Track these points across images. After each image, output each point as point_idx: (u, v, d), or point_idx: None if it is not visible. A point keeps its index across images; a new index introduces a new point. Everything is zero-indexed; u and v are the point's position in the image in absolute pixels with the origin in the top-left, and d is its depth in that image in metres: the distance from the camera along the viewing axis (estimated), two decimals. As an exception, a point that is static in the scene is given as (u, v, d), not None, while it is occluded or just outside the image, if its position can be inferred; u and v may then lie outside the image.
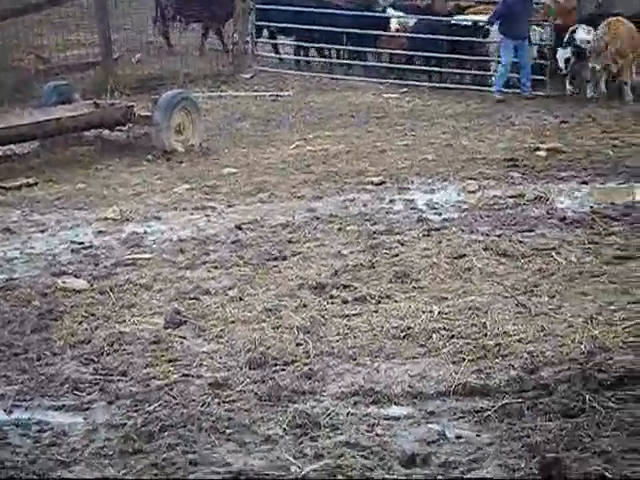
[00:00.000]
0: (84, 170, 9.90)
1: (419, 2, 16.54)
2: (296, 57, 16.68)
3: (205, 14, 15.88)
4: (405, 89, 14.67)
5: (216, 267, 6.76)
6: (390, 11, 15.53)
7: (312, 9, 15.67)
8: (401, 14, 15.44)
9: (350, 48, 15.95)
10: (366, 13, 15.39)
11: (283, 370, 4.94)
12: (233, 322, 5.63)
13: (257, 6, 16.00)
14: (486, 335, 5.33)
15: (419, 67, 15.35)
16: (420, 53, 15.11)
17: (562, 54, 13.66)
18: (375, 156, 10.40)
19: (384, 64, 15.84)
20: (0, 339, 5.40)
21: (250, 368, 4.96)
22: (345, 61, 16.15)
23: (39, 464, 4.08)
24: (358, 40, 15.49)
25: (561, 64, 13.70)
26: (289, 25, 15.96)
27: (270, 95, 14.42)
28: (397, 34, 15.20)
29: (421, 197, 8.70)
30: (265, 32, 16.89)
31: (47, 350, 5.26)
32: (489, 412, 4.44)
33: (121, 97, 12.56)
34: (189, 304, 5.96)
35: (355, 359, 5.06)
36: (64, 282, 6.41)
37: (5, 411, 4.53)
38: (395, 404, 4.59)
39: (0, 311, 5.90)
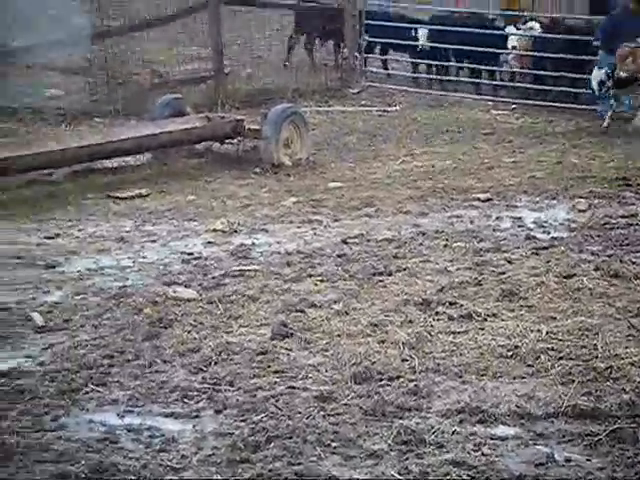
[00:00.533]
0: (194, 182, 10.10)
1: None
2: (407, 74, 16.65)
3: (328, 29, 16.01)
4: (514, 106, 14.52)
5: (322, 280, 6.81)
6: (511, 29, 15.28)
7: (426, 26, 15.67)
8: (521, 31, 15.14)
9: (464, 65, 15.86)
10: (483, 30, 15.23)
11: (388, 385, 4.95)
12: (338, 336, 5.66)
13: (368, 22, 16.06)
14: (597, 357, 5.22)
15: (530, 85, 15.15)
16: (535, 71, 14.91)
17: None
18: (482, 173, 10.31)
19: (494, 82, 15.68)
20: (113, 345, 5.55)
21: (355, 382, 4.98)
22: (455, 78, 16.08)
23: (150, 469, 4.18)
24: (473, 57, 15.38)
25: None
26: (402, 42, 15.99)
27: (377, 110, 14.46)
28: (517, 52, 15.00)
29: (529, 215, 8.59)
30: (376, 48, 16.90)
31: (158, 357, 5.37)
32: (600, 436, 4.35)
33: (231, 111, 12.77)
34: (295, 316, 6.01)
35: (461, 377, 5.03)
36: (175, 291, 6.55)
37: (118, 415, 4.65)
38: (502, 424, 4.54)
39: (113, 318, 6.06)
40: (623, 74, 12.32)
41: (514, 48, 15.00)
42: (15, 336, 5.76)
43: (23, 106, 13.31)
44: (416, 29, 15.91)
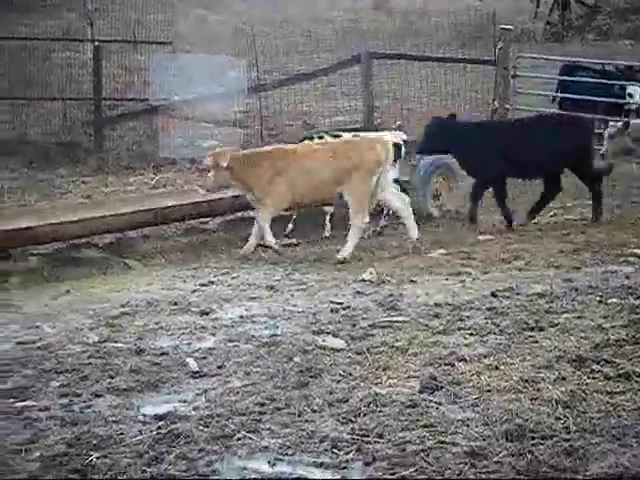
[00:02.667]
0: (342, 231, 10.20)
1: None
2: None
3: None
4: None
5: (471, 334, 6.73)
6: None
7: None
8: None
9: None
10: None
11: (541, 444, 4.82)
12: (489, 391, 5.57)
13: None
14: None
15: None
16: None
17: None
18: (638, 228, 10.01)
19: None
20: (264, 392, 5.63)
21: (507, 439, 4.87)
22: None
23: (300, 518, 4.21)
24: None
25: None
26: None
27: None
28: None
29: (689, 273, 8.26)
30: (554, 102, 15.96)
31: (307, 406, 5.42)
32: None
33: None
34: (444, 370, 5.96)
35: (620, 439, 4.84)
36: (324, 340, 6.61)
37: (269, 463, 4.71)
38: (662, 491, 4.35)
39: (264, 365, 6.17)
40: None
41: None
42: (171, 380, 5.94)
43: (182, 157, 13.85)
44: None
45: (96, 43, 15.22)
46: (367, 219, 9.40)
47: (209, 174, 9.47)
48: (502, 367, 5.97)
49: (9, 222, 9.34)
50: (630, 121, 12.23)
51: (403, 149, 9.86)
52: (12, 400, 5.61)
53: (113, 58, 15.68)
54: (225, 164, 9.29)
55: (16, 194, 11.66)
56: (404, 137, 10.02)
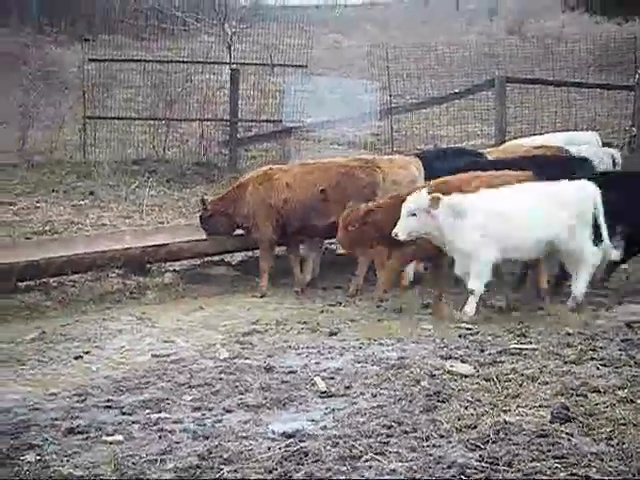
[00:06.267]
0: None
1: None
2: None
3: None
4: None
5: (604, 365, 6.57)
6: None
7: None
8: None
9: None
10: None
11: (679, 483, 4.65)
12: (624, 424, 5.40)
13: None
14: None
15: None
16: None
17: None
18: None
19: None
20: (392, 415, 5.64)
21: (643, 476, 4.73)
22: None
23: None
24: None
25: None
26: None
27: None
28: None
29: None
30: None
31: (435, 431, 5.38)
32: None
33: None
34: (576, 400, 5.82)
35: None
36: (452, 366, 6.57)
37: (398, 488, 4.71)
38: None
39: (392, 388, 6.17)
40: None
41: None
42: (300, 399, 6.01)
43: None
44: None
45: (233, 66, 15.61)
46: None
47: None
48: (638, 400, 5.80)
49: (146, 239, 9.64)
50: None
51: None
52: (148, 411, 5.79)
53: (250, 80, 16.03)
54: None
55: (154, 211, 12.04)
56: None
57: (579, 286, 8.14)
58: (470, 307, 8.05)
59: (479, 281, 8.01)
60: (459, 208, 7.98)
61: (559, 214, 8.12)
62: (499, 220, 8.02)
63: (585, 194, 8.27)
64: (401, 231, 7.98)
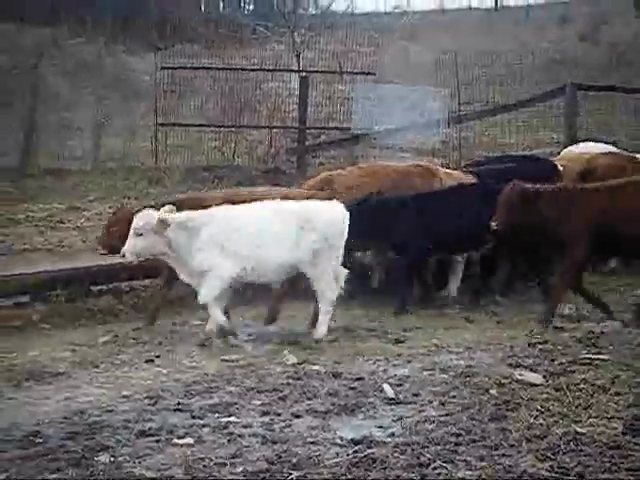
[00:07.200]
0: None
1: None
2: None
3: None
4: None
5: (679, 376, 6.46)
6: None
7: None
8: None
9: None
10: None
11: None
12: (696, 438, 5.31)
13: None
14: None
15: None
16: None
17: None
18: None
19: None
20: (460, 423, 5.61)
21: None
22: None
23: None
24: None
25: None
26: None
27: None
28: None
29: None
30: None
31: (504, 440, 5.34)
32: None
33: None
34: (649, 412, 5.74)
35: None
36: (520, 374, 6.51)
37: (467, 496, 4.68)
38: None
39: (460, 396, 6.14)
40: None
41: None
42: (367, 405, 6.02)
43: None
44: None
45: (303, 74, 15.72)
46: None
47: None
48: None
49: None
50: None
51: None
52: (217, 415, 5.86)
53: (318, 88, 16.11)
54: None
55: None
56: None
57: (320, 329, 7.69)
58: (216, 315, 7.61)
59: (211, 292, 7.54)
60: (191, 224, 7.58)
61: (305, 236, 7.63)
62: (236, 237, 7.58)
63: (334, 216, 7.81)
64: (128, 251, 7.57)
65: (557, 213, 7.90)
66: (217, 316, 7.65)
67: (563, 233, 7.89)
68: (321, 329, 7.73)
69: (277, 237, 7.63)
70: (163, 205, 7.90)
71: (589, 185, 8.36)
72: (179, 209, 7.79)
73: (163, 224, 7.55)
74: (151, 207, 7.95)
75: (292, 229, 7.65)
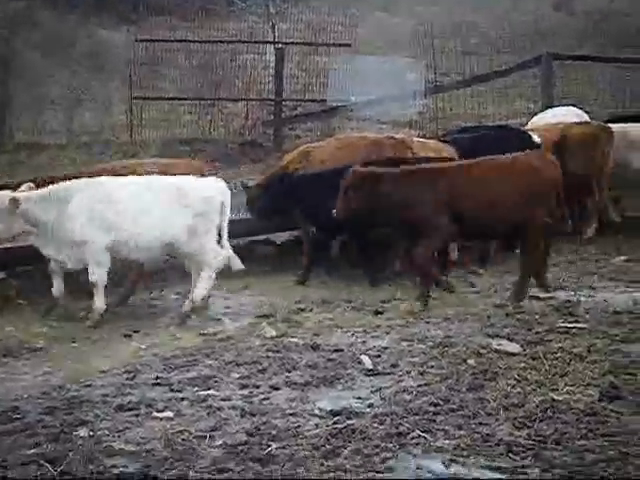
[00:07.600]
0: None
1: None
2: None
3: None
4: None
5: (654, 343, 6.52)
6: None
7: None
8: None
9: None
10: None
11: None
12: (673, 403, 5.37)
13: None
14: None
15: None
16: None
17: None
18: None
19: None
20: (438, 393, 5.63)
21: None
22: None
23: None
24: None
25: None
26: None
27: None
28: None
29: None
30: None
31: (481, 409, 5.37)
32: None
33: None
34: (625, 379, 5.77)
35: None
36: (498, 344, 6.55)
37: (444, 464, 4.71)
38: None
39: (438, 366, 6.17)
40: None
41: None
42: (346, 377, 6.04)
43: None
44: None
45: (278, 45, 15.63)
46: None
47: None
48: (686, 378, 5.75)
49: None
50: None
51: None
52: (196, 389, 5.86)
53: (294, 59, 16.03)
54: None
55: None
56: None
57: (198, 290, 7.68)
58: (99, 301, 7.56)
59: (99, 270, 7.50)
60: (62, 194, 7.51)
61: (179, 212, 7.58)
62: (107, 207, 7.49)
63: (211, 192, 7.77)
64: None
65: (398, 195, 7.54)
66: (99, 301, 7.55)
67: (410, 215, 7.55)
68: (198, 292, 7.65)
69: (150, 212, 7.54)
70: (20, 185, 7.89)
71: (430, 165, 8.02)
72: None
73: (15, 203, 7.47)
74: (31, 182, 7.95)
75: (166, 205, 7.59)
